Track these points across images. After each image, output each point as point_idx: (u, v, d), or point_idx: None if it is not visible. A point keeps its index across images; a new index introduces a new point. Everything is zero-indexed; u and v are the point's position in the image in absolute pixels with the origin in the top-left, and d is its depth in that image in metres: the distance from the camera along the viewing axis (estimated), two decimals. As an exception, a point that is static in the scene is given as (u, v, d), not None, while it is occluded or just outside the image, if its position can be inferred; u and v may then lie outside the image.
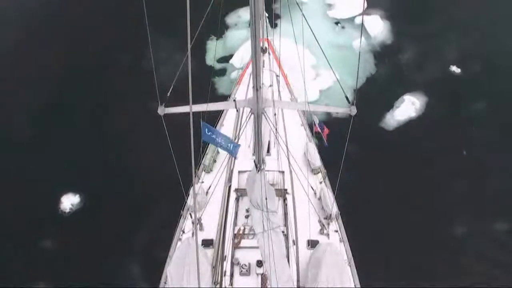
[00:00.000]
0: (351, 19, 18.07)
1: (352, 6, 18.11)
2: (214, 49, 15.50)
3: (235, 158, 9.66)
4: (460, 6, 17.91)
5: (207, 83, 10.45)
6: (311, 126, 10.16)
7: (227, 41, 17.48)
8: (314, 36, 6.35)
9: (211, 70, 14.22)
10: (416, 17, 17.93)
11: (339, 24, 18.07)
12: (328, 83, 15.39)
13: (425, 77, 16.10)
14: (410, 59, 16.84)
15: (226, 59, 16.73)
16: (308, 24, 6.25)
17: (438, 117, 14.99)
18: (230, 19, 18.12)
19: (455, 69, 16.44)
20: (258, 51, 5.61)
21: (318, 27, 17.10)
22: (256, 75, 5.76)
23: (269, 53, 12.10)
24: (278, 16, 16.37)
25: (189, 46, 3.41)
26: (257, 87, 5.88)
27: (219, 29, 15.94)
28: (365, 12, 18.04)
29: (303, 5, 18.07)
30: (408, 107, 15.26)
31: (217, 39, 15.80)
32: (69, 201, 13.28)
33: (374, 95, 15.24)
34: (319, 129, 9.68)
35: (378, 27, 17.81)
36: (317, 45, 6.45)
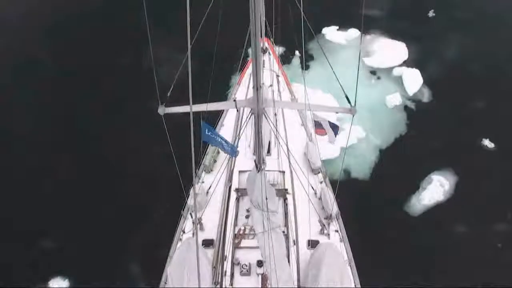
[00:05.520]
0: (389, 70, 16.68)
1: (392, 55, 16.91)
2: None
3: (234, 157, 9.64)
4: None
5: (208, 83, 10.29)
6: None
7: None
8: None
9: (211, 69, 14.07)
10: (459, 83, 16.00)
11: (375, 74, 16.62)
12: (352, 140, 13.72)
13: (456, 152, 14.21)
14: (444, 127, 14.88)
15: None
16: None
17: (470, 203, 12.98)
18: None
19: (487, 143, 14.63)
20: (258, 51, 5.61)
21: (352, 74, 15.81)
22: (256, 75, 5.76)
23: (269, 53, 12.08)
24: (311, 57, 16.11)
25: (189, 46, 3.40)
26: (257, 87, 5.87)
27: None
28: (404, 64, 16.69)
29: (340, 48, 17.18)
30: (436, 189, 13.50)
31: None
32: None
33: (398, 169, 13.61)
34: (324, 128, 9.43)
35: (416, 83, 16.26)
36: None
